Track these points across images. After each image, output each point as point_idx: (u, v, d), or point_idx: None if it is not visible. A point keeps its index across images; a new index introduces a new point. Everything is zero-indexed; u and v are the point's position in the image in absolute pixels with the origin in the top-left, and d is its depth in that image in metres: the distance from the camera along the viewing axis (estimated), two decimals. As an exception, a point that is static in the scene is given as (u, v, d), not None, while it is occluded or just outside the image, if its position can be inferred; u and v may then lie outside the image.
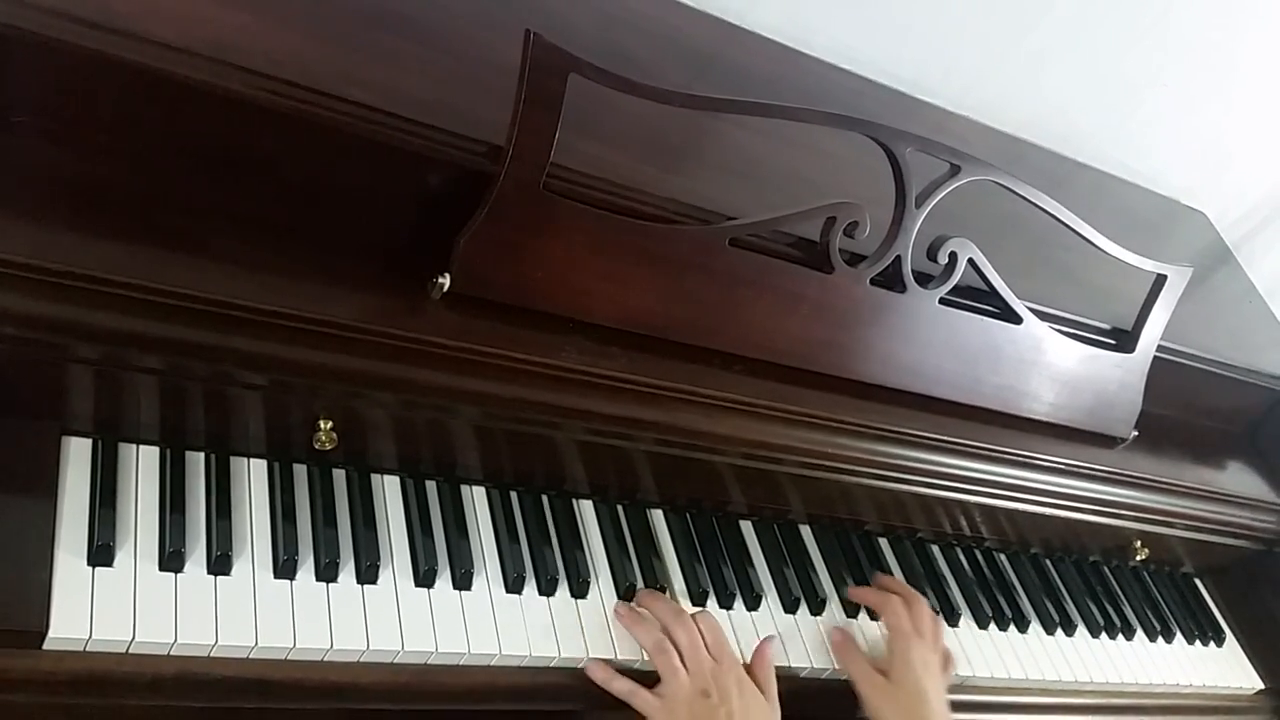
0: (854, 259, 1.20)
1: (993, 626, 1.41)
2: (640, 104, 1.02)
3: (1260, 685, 1.60)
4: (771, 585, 1.28)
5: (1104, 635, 1.50)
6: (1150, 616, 1.57)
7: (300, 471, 1.08)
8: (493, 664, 1.07)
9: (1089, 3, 1.73)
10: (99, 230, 0.93)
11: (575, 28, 1.31)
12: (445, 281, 1.02)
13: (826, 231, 1.17)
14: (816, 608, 1.28)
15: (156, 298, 0.90)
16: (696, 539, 1.27)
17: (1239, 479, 1.59)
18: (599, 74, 1.00)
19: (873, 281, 1.21)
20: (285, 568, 1.01)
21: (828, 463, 1.24)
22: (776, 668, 1.20)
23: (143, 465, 1.01)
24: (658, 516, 1.27)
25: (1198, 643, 1.60)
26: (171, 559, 0.96)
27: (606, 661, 1.11)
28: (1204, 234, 1.96)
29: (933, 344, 1.28)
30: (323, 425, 1.02)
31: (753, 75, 1.50)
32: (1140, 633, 1.54)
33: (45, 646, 0.89)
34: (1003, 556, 1.51)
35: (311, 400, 1.02)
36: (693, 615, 1.15)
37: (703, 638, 1.12)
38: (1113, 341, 1.42)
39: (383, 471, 1.13)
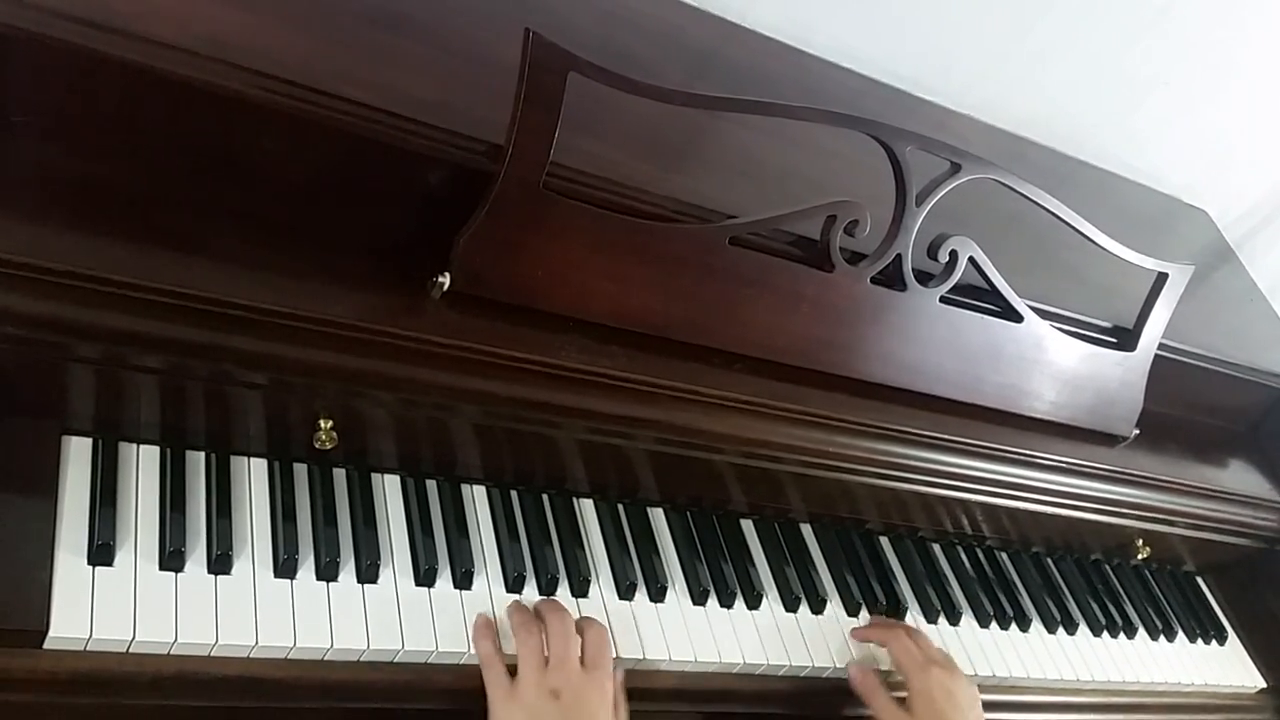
0: (854, 257, 1.20)
1: (994, 625, 1.40)
2: (640, 102, 1.02)
3: (1262, 684, 1.60)
4: (772, 584, 1.28)
5: (1106, 634, 1.50)
6: (1152, 615, 1.57)
7: (300, 471, 1.08)
8: (493, 663, 1.07)
9: (1090, 0, 1.73)
10: (99, 230, 0.93)
11: (575, 26, 1.31)
12: (445, 280, 1.02)
13: (827, 230, 1.17)
14: (817, 606, 1.28)
15: (156, 297, 0.90)
16: (697, 537, 1.27)
17: (1241, 477, 1.59)
18: (599, 73, 0.99)
19: (873, 280, 1.21)
20: (285, 567, 1.01)
21: (828, 461, 1.24)
22: (779, 668, 1.21)
23: (143, 464, 1.01)
24: (658, 515, 1.27)
25: (1200, 641, 1.59)
26: (172, 558, 0.96)
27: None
28: (1205, 232, 1.95)
29: (933, 342, 1.28)
30: (323, 424, 1.02)
31: (753, 74, 1.50)
32: (1142, 631, 1.54)
33: (45, 646, 0.89)
34: (1004, 555, 1.51)
35: (311, 399, 1.02)
36: (582, 622, 1.09)
37: (584, 646, 1.06)
38: (1114, 340, 1.42)
39: (383, 471, 1.13)
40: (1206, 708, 1.55)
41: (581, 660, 1.04)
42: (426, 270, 1.03)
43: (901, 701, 1.21)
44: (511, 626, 1.06)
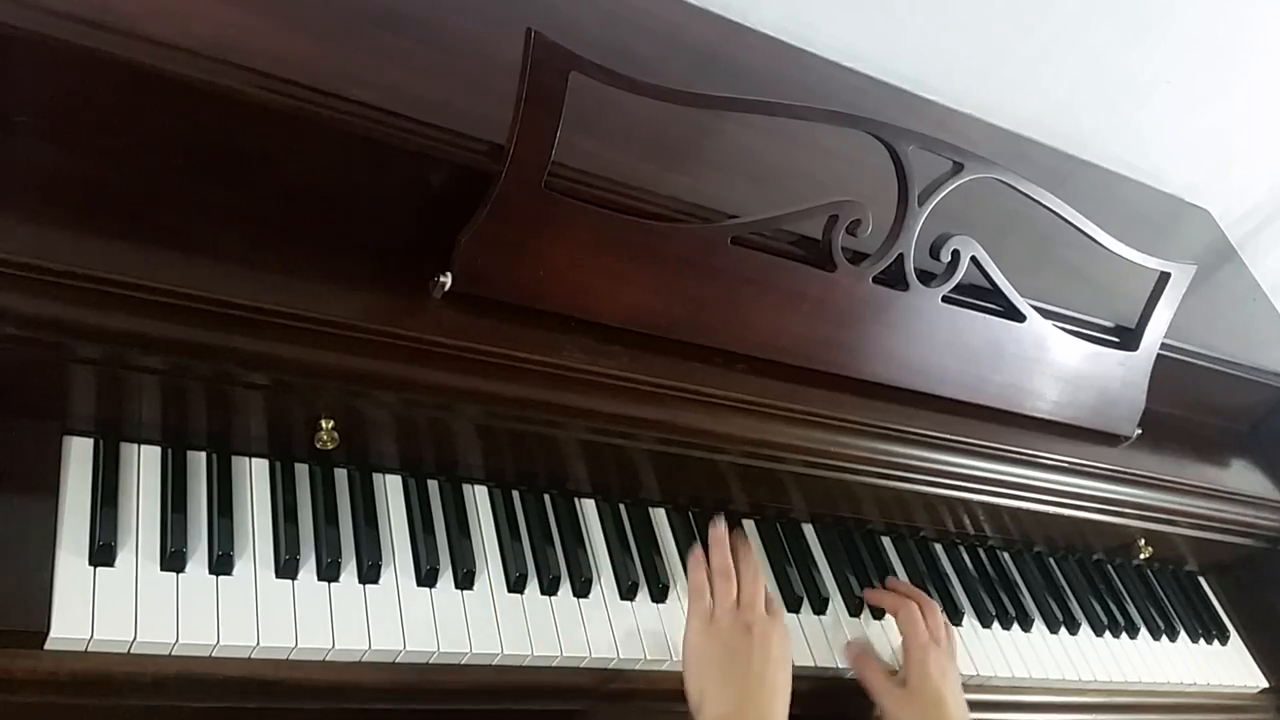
0: (856, 257, 1.19)
1: (996, 625, 1.40)
2: (642, 102, 1.02)
3: (1264, 684, 1.60)
4: (775, 584, 1.28)
5: (1108, 634, 1.50)
6: (1154, 615, 1.57)
7: (302, 471, 1.08)
8: (495, 663, 1.07)
9: (1092, 0, 1.73)
10: (99, 230, 0.93)
11: (577, 25, 1.31)
12: (447, 280, 1.02)
13: (829, 229, 1.17)
14: (819, 606, 1.28)
15: (157, 297, 0.90)
16: (699, 538, 1.26)
17: (1243, 477, 1.59)
18: (600, 72, 0.99)
19: (875, 280, 1.21)
20: (287, 567, 1.01)
21: (830, 461, 1.24)
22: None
23: (144, 465, 1.01)
24: (660, 515, 1.27)
25: (1202, 641, 1.59)
26: (173, 559, 0.96)
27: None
28: (1208, 231, 1.95)
29: (936, 342, 1.27)
30: (324, 425, 1.02)
31: (755, 73, 1.50)
32: (1144, 631, 1.54)
33: (47, 647, 0.89)
34: (1006, 555, 1.51)
35: (313, 400, 1.02)
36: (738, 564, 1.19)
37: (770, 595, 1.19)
38: (1116, 339, 1.42)
39: (384, 471, 1.13)
40: (1208, 708, 1.55)
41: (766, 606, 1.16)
42: (428, 270, 1.03)
43: (895, 676, 1.22)
44: (712, 568, 1.17)
